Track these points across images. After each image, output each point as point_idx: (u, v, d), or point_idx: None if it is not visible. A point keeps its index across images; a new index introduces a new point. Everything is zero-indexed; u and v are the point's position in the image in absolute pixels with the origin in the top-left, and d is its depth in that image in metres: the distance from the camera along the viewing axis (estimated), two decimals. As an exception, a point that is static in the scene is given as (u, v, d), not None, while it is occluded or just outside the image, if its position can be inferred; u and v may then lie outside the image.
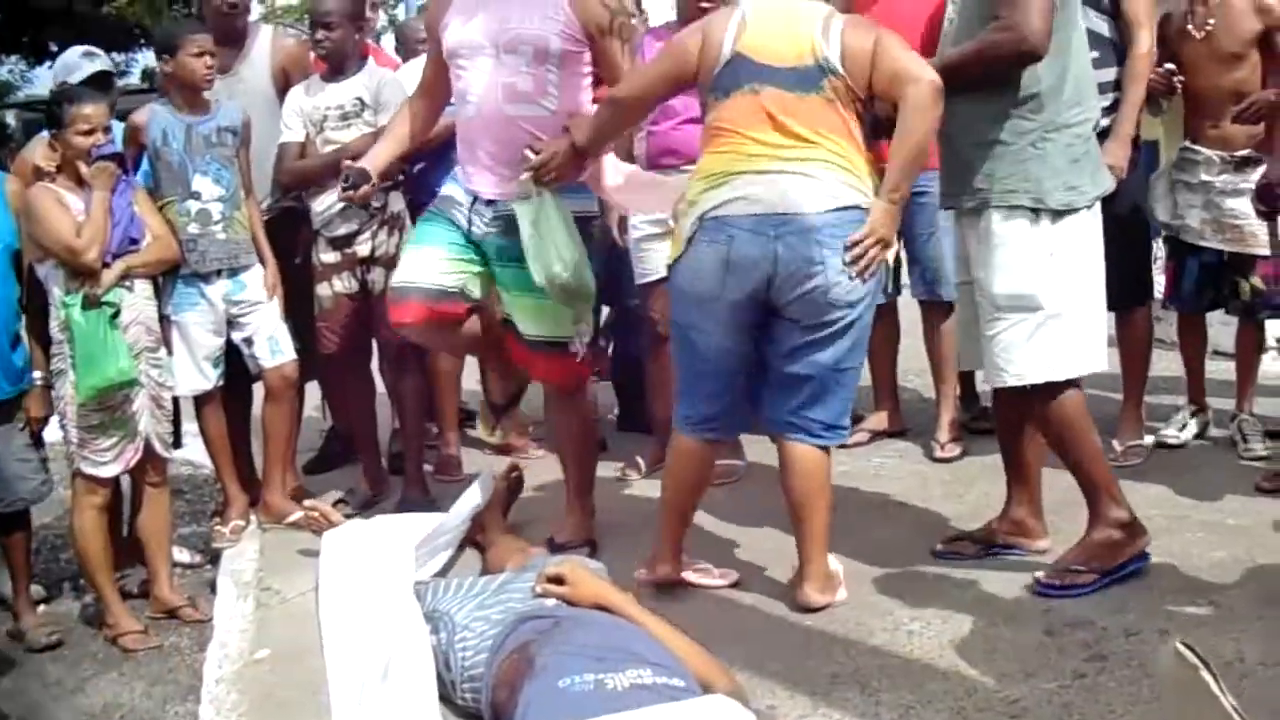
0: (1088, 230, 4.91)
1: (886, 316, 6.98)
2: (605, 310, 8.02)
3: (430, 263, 5.60)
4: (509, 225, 5.48)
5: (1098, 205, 4.95)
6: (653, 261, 6.70)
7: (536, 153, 5.33)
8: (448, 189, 5.76)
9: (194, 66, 6.25)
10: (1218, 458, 6.41)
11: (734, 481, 6.66)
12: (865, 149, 4.92)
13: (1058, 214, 4.82)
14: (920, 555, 5.43)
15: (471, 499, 5.77)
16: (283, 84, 6.93)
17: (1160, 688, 3.22)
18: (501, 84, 5.48)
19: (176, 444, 6.37)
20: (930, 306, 7.07)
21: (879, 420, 7.40)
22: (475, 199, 5.63)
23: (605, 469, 6.84)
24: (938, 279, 6.88)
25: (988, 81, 4.82)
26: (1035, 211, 4.81)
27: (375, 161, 5.85)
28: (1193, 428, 6.76)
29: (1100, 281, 5.01)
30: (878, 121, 4.98)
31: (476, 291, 5.73)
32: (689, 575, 5.30)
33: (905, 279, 7.33)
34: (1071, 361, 4.90)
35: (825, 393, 4.94)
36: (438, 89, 5.89)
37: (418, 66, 6.57)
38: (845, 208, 4.73)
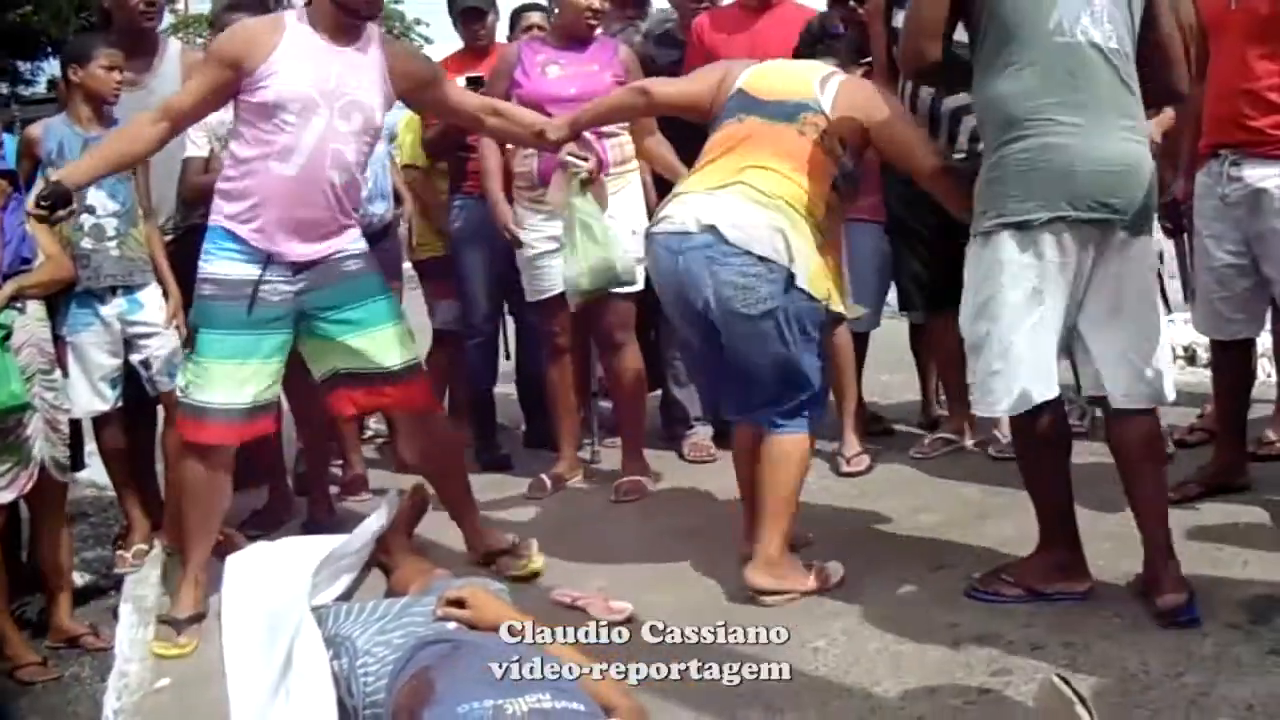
0: (997, 258, 4.71)
1: None
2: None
3: (237, 378, 5.39)
4: (322, 274, 5.47)
5: (1054, 230, 4.63)
6: (549, 278, 6.79)
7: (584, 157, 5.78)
8: (220, 267, 5.38)
9: (103, 79, 6.20)
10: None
11: (640, 498, 6.68)
12: (831, 188, 5.29)
13: (976, 238, 4.80)
14: (826, 572, 5.43)
15: (378, 520, 5.75)
16: None
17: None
18: (332, 148, 5.37)
19: (79, 465, 6.28)
20: None
21: None
22: (268, 261, 5.40)
23: (513, 487, 6.90)
24: None
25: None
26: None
27: (76, 178, 5.37)
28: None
29: (1037, 318, 4.72)
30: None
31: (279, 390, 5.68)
32: (581, 603, 5.31)
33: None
34: (986, 399, 4.88)
35: (755, 384, 5.24)
36: (185, 122, 5.60)
37: None
38: (717, 228, 5.06)
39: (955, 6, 4.80)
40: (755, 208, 5.08)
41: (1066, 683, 3.06)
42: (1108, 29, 4.65)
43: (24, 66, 30.44)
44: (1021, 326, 4.70)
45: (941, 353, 7.26)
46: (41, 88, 30.65)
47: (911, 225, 6.82)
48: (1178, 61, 4.94)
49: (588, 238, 5.82)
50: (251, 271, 5.36)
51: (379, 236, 7.35)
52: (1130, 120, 4.72)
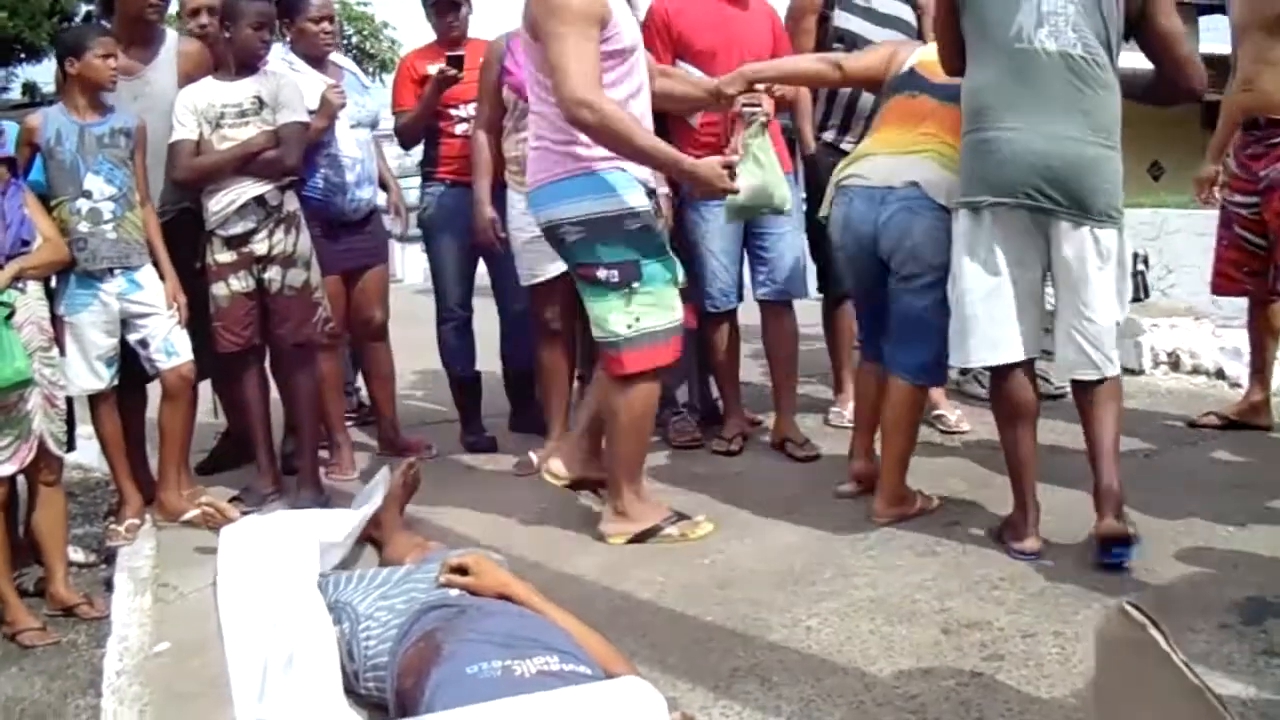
0: (959, 232, 5.46)
1: (729, 322, 7.39)
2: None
3: (675, 299, 5.75)
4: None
5: (997, 213, 5.28)
6: (543, 263, 6.89)
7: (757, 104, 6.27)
8: (638, 199, 5.58)
9: (100, 68, 6.21)
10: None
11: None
12: None
13: (960, 211, 5.42)
14: (819, 555, 5.53)
15: (374, 493, 5.80)
16: None
17: (1097, 653, 3.25)
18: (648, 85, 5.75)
19: (71, 446, 6.29)
20: (775, 307, 7.25)
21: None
22: (652, 193, 5.72)
23: (499, 467, 7.15)
24: (791, 277, 7.21)
25: None
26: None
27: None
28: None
29: (992, 287, 5.35)
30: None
31: None
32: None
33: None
34: (953, 353, 5.64)
35: (912, 336, 5.87)
36: None
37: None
38: (920, 184, 5.75)
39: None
40: (948, 173, 5.66)
41: (1138, 608, 3.07)
42: (1070, 37, 5.13)
43: (-2, 73, 30.25)
44: (977, 292, 5.37)
45: (838, 334, 7.93)
46: (16, 94, 30.43)
47: None
48: (1183, 61, 5.27)
49: (755, 165, 6.20)
50: (648, 200, 5.66)
51: (364, 221, 7.50)
52: (1085, 122, 5.16)
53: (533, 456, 7.12)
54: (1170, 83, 5.31)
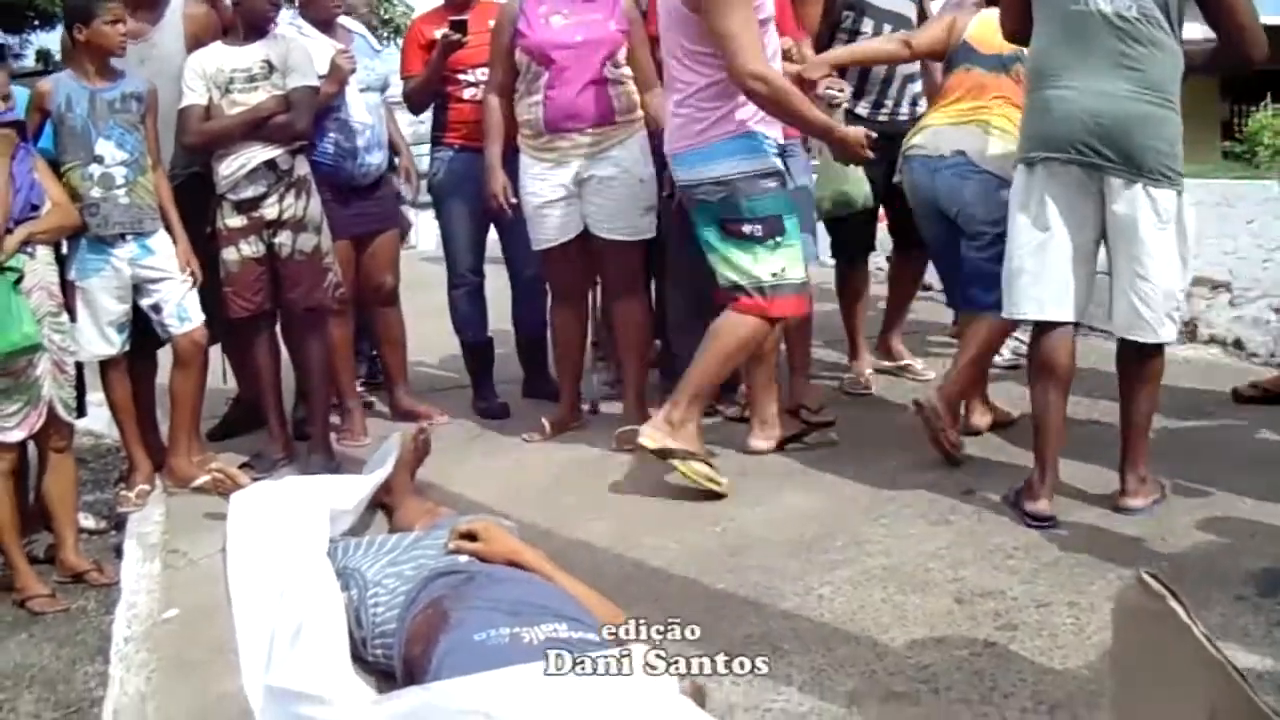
0: (1015, 188, 5.48)
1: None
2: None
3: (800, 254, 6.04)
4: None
5: (1050, 168, 5.30)
6: (554, 227, 6.83)
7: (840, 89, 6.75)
8: (775, 160, 5.92)
9: (109, 34, 6.19)
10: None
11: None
12: None
13: (1018, 168, 5.49)
14: (832, 522, 5.49)
15: (389, 460, 5.79)
16: (194, 51, 6.81)
17: (1115, 624, 3.22)
18: None
19: (81, 413, 6.27)
20: None
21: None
22: (783, 152, 6.05)
23: (511, 433, 7.10)
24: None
25: None
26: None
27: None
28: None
29: (1041, 241, 5.37)
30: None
31: None
32: None
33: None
34: (1004, 299, 5.58)
35: (982, 283, 6.18)
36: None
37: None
38: (966, 152, 6.30)
39: None
40: (992, 139, 6.25)
41: (1157, 578, 3.05)
42: (1124, 1, 5.10)
43: (11, 40, 30.11)
44: (1026, 246, 5.42)
45: (852, 299, 8.06)
46: (30, 61, 30.34)
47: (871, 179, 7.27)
48: (1244, 26, 5.22)
49: (836, 172, 6.91)
50: (780, 161, 5.98)
51: (375, 185, 7.45)
52: (1138, 79, 5.14)
53: (545, 422, 7.10)
54: (1231, 49, 5.27)
